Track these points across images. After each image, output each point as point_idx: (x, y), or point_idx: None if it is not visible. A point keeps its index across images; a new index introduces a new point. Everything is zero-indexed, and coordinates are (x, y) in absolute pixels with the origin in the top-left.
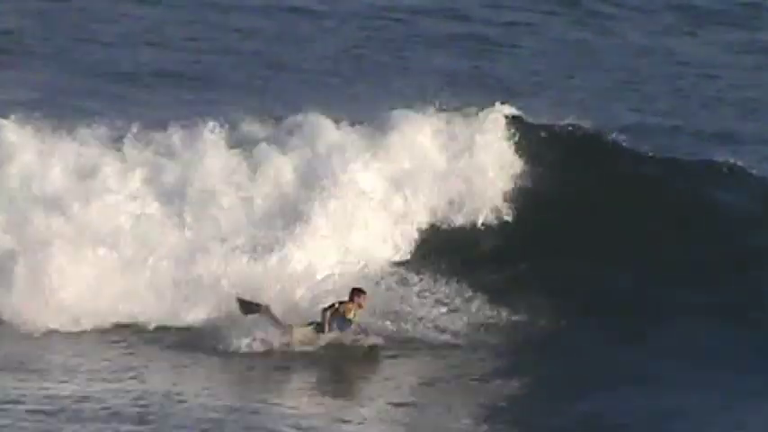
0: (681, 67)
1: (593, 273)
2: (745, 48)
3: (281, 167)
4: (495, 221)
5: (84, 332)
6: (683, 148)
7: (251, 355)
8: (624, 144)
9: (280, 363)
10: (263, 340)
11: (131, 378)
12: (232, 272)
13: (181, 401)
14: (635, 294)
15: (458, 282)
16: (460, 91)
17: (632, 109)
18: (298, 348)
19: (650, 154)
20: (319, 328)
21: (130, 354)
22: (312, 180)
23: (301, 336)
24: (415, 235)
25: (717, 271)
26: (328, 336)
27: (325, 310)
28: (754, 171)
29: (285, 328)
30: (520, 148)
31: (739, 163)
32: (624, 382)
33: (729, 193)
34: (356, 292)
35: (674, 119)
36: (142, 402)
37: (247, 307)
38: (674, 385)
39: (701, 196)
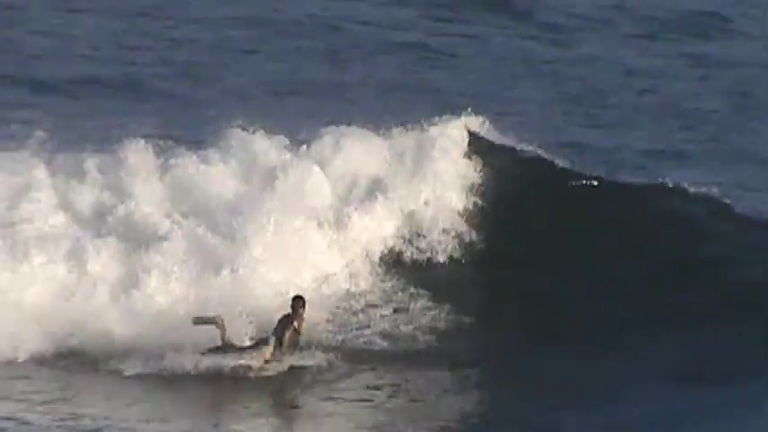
0: (630, 78)
1: (549, 287)
2: (695, 59)
3: (220, 186)
4: (450, 238)
5: (20, 359)
6: (628, 161)
7: (190, 379)
8: (573, 160)
9: (216, 387)
10: (213, 365)
11: (63, 401)
12: (175, 295)
13: (109, 426)
14: (589, 308)
15: (411, 297)
16: (407, 105)
17: (581, 124)
18: (264, 373)
19: (597, 172)
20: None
21: (67, 379)
22: (249, 200)
23: (269, 356)
24: (370, 252)
25: (671, 285)
26: (292, 357)
27: (286, 329)
28: (698, 186)
29: (253, 350)
30: (473, 163)
31: (684, 178)
32: (580, 395)
33: (680, 208)
34: (299, 301)
35: (622, 131)
36: (71, 424)
37: (202, 320)
38: (632, 399)
39: (654, 212)
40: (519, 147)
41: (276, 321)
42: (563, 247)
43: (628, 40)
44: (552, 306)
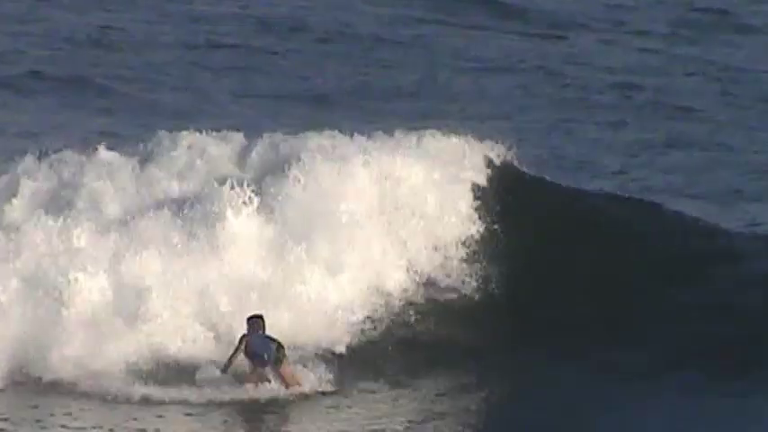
0: (622, 79)
1: (548, 300)
2: (691, 60)
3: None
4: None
5: None
6: (611, 170)
7: (169, 406)
8: (553, 165)
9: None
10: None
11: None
12: (151, 317)
13: None
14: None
15: (416, 316)
16: (385, 108)
17: (567, 129)
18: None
19: (593, 187)
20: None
21: (36, 401)
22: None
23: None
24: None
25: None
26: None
27: (283, 357)
28: (700, 199)
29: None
30: (456, 173)
31: (677, 187)
32: (584, 400)
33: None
34: (261, 321)
35: (609, 136)
36: None
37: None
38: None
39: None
40: (498, 156)
41: (237, 347)
42: (564, 259)
43: (622, 38)
44: (556, 314)
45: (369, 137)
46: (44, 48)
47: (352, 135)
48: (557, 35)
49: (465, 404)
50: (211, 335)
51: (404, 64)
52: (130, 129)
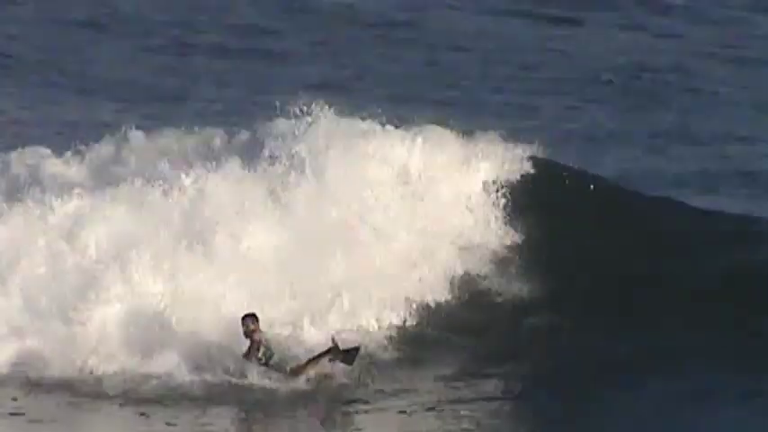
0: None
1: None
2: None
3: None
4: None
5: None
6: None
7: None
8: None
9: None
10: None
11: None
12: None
13: None
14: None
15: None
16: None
17: (566, 116)
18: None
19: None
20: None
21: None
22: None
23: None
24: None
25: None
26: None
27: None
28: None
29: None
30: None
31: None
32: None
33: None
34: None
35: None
36: None
37: (349, 355)
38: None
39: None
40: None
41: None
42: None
43: (635, 18)
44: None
45: (384, 129)
46: (31, 30)
47: (364, 127)
48: (566, 17)
49: (487, 393)
50: (228, 343)
51: (410, 48)
52: (122, 116)
